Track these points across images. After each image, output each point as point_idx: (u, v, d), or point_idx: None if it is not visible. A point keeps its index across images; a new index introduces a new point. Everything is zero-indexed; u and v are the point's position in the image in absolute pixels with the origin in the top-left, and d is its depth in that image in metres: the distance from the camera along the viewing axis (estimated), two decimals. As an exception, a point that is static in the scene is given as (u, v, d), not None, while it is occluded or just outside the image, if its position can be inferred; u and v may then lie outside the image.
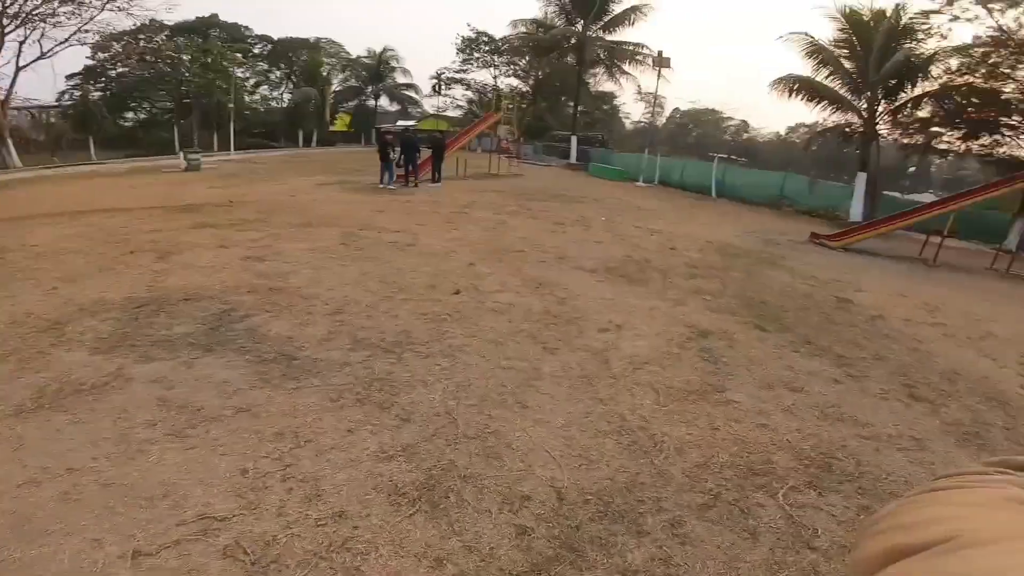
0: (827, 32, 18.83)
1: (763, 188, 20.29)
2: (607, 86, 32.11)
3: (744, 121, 71.71)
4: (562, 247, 7.87)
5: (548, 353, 4.06)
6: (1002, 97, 16.36)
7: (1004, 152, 17.71)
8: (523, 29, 30.66)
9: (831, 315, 5.90)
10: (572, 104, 29.10)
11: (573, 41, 25.86)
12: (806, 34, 18.30)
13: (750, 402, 3.60)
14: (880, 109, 17.11)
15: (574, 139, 26.19)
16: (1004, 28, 15.92)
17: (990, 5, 15.92)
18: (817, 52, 17.99)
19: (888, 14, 16.77)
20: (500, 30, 39.05)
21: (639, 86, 29.50)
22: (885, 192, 19.43)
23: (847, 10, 17.38)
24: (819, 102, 18.24)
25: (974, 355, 5.05)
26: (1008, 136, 17.29)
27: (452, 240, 7.72)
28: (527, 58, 33.78)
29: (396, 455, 2.69)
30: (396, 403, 3.18)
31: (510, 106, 20.48)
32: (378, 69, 42.83)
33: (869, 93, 17.02)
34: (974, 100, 16.44)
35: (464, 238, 7.93)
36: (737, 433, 3.20)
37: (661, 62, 20.40)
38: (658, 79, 21.10)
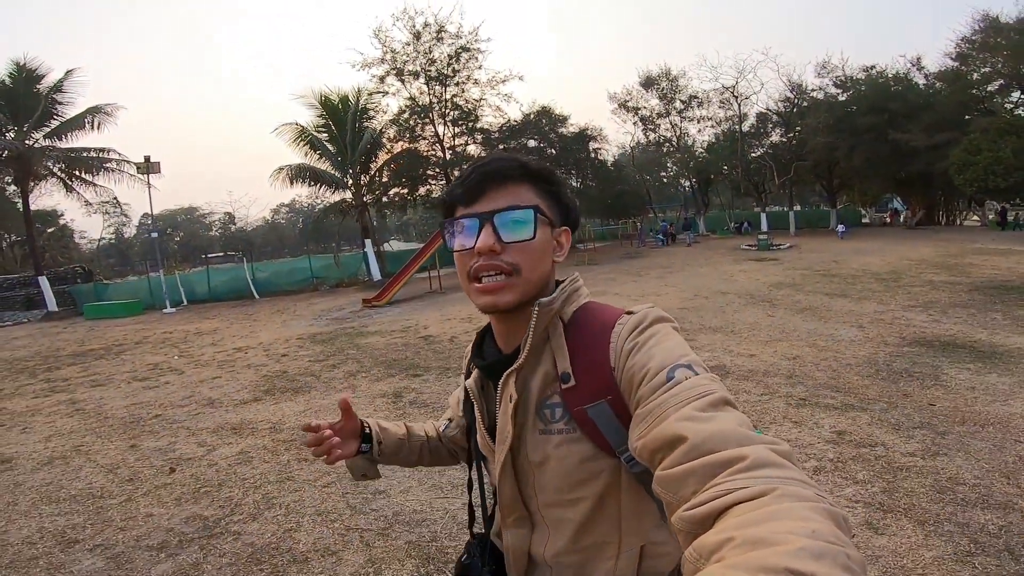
0: (313, 120, 21.16)
1: (295, 274, 21.65)
2: (49, 202, 25.84)
3: (228, 213, 71.54)
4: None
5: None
6: (422, 154, 23.04)
7: (437, 197, 24.97)
8: None
9: (423, 349, 7.62)
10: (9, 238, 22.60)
11: (6, 154, 19.64)
12: (296, 123, 20.35)
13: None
14: (363, 181, 21.00)
15: (44, 281, 20.09)
16: (414, 97, 22.56)
17: (404, 79, 22.14)
18: (304, 139, 20.24)
19: (350, 99, 20.61)
20: None
21: (87, 200, 24.55)
22: (387, 248, 24.18)
23: (323, 97, 20.31)
24: (318, 184, 20.72)
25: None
26: (433, 183, 24.44)
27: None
28: None
29: None
30: None
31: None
32: None
33: (351, 170, 20.51)
34: (406, 160, 22.28)
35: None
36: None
37: (149, 168, 18.28)
38: (149, 187, 18.80)
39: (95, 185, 21.15)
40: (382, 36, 21.76)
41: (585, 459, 0.73)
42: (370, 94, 21.68)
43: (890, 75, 26.81)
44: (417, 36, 21.83)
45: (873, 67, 27.61)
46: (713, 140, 33.01)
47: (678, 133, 33.12)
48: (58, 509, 3.44)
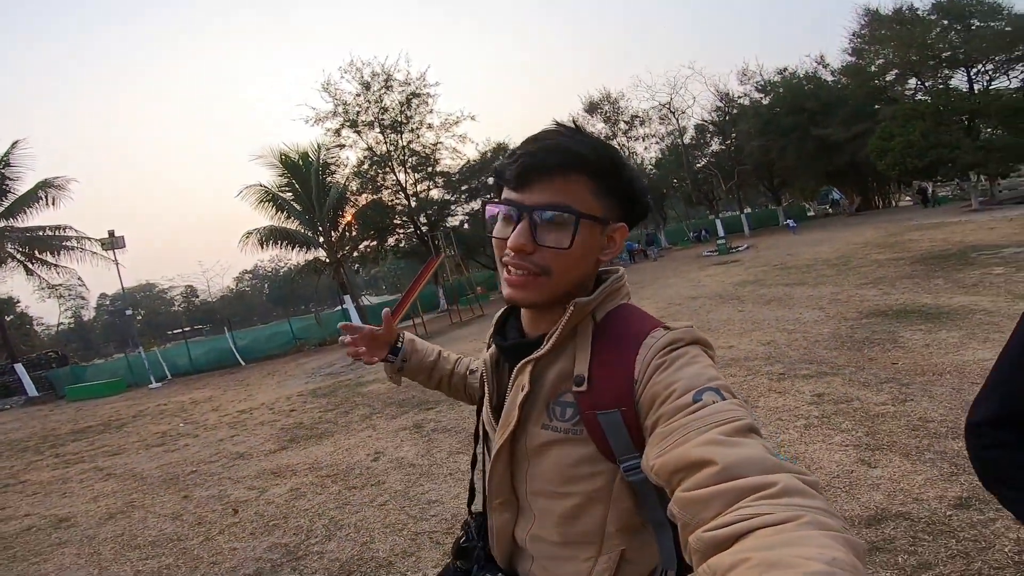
0: (275, 180, 20.98)
1: (277, 338, 21.59)
2: (2, 289, 24.64)
3: (190, 286, 70.03)
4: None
5: None
6: (387, 203, 23.46)
7: (406, 246, 25.33)
8: None
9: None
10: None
11: None
12: (259, 184, 20.16)
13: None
14: (334, 238, 21.11)
15: (20, 368, 19.45)
16: (371, 147, 23.11)
17: (359, 129, 22.55)
18: (269, 199, 20.09)
19: (310, 155, 20.67)
20: None
21: (48, 283, 23.64)
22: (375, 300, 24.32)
23: (282, 156, 20.28)
24: (290, 245, 20.62)
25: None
26: (400, 232, 24.79)
27: None
28: None
29: None
30: None
31: None
32: None
33: (321, 227, 20.51)
34: (372, 211, 22.54)
35: None
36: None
37: (114, 243, 17.91)
38: (117, 264, 18.32)
39: (56, 266, 20.25)
40: (331, 89, 22.47)
41: (583, 460, 0.73)
42: (327, 148, 22.07)
43: (801, 75, 28.92)
44: (367, 87, 22.60)
45: (785, 69, 29.82)
46: (660, 156, 34.68)
47: (627, 153, 34.75)
48: (144, 554, 3.74)
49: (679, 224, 41.31)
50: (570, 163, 0.70)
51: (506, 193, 0.74)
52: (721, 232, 27.17)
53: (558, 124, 0.76)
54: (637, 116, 33.00)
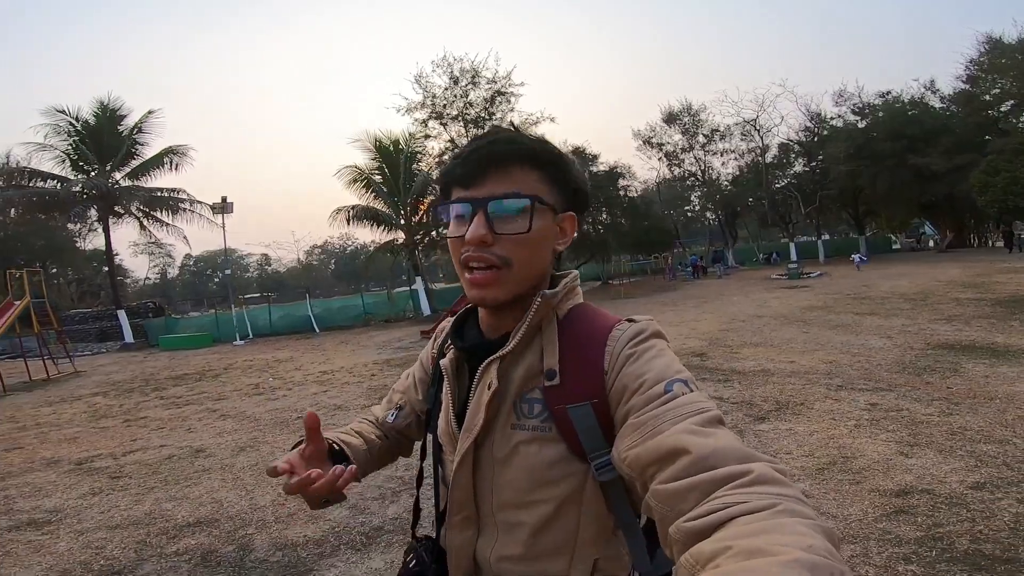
0: (368, 163, 22.35)
1: (348, 310, 23.11)
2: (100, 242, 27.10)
3: (265, 255, 74.78)
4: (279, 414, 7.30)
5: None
6: None
7: None
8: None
9: None
10: (67, 271, 24.23)
11: (92, 191, 20.97)
12: (354, 166, 21.66)
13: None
14: (413, 222, 22.17)
15: (123, 315, 21.89)
16: (453, 139, 24.18)
17: (444, 122, 23.75)
18: (361, 181, 21.55)
19: (400, 143, 22.07)
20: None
21: (154, 237, 25.37)
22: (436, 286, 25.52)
23: (376, 141, 21.79)
24: (374, 224, 22.02)
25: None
26: None
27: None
28: None
29: None
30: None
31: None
32: None
33: (404, 211, 21.79)
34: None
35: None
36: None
37: (224, 208, 19.88)
38: (224, 227, 20.40)
39: (168, 224, 22.42)
40: (423, 82, 23.62)
41: (554, 460, 0.71)
42: (416, 138, 23.33)
43: (906, 100, 27.46)
44: (455, 81, 23.59)
45: (888, 92, 28.46)
46: (737, 172, 34.01)
47: (702, 167, 34.29)
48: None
49: (749, 244, 40.29)
50: (517, 155, 0.72)
51: (456, 193, 0.74)
52: (794, 256, 26.47)
53: (496, 127, 0.79)
54: (717, 130, 32.56)
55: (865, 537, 2.53)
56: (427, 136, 24.23)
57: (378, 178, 22.01)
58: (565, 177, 0.76)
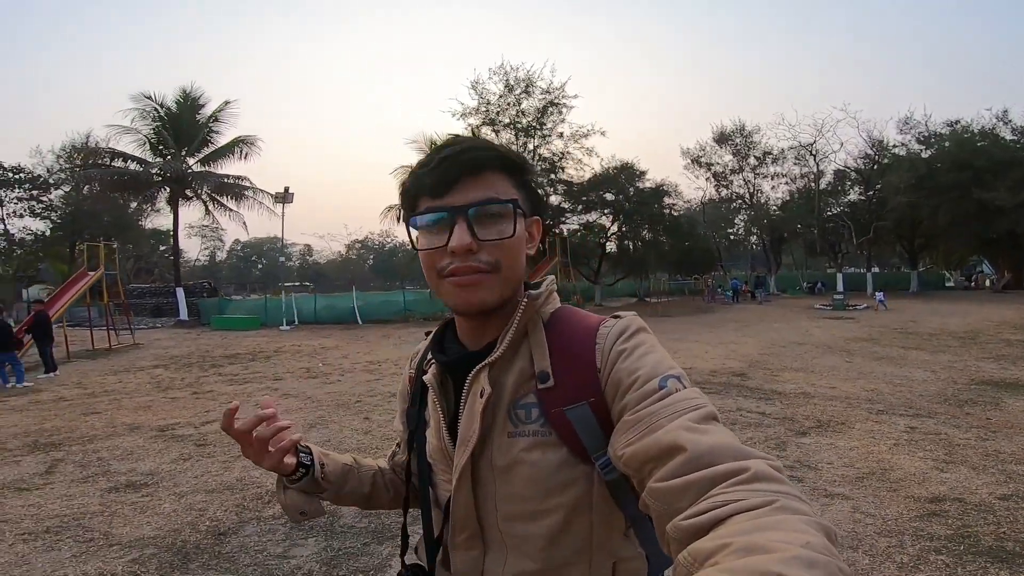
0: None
1: (389, 305, 23.83)
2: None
3: (308, 245, 77.12)
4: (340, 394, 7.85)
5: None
6: None
7: None
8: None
9: None
10: (128, 247, 25.62)
11: (167, 175, 22.54)
12: (410, 166, 22.83)
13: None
14: None
15: (181, 292, 23.18)
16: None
17: (496, 129, 24.27)
18: None
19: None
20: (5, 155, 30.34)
21: (217, 221, 26.67)
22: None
23: (431, 143, 22.56)
24: None
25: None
26: None
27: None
28: (62, 190, 28.56)
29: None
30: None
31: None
32: None
33: None
34: None
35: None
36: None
37: (285, 197, 20.84)
38: (283, 215, 21.46)
39: (230, 210, 23.80)
40: (479, 88, 24.30)
41: (559, 465, 0.68)
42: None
43: (975, 130, 26.26)
44: (510, 88, 24.16)
45: (958, 122, 27.28)
46: (787, 198, 33.42)
47: (751, 189, 33.86)
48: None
49: (793, 272, 39.47)
50: (488, 161, 0.71)
51: (426, 203, 0.71)
52: (841, 287, 25.92)
53: (456, 136, 0.78)
54: (770, 153, 32.14)
55: (900, 532, 2.82)
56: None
57: (432, 179, 22.85)
58: (528, 181, 0.76)
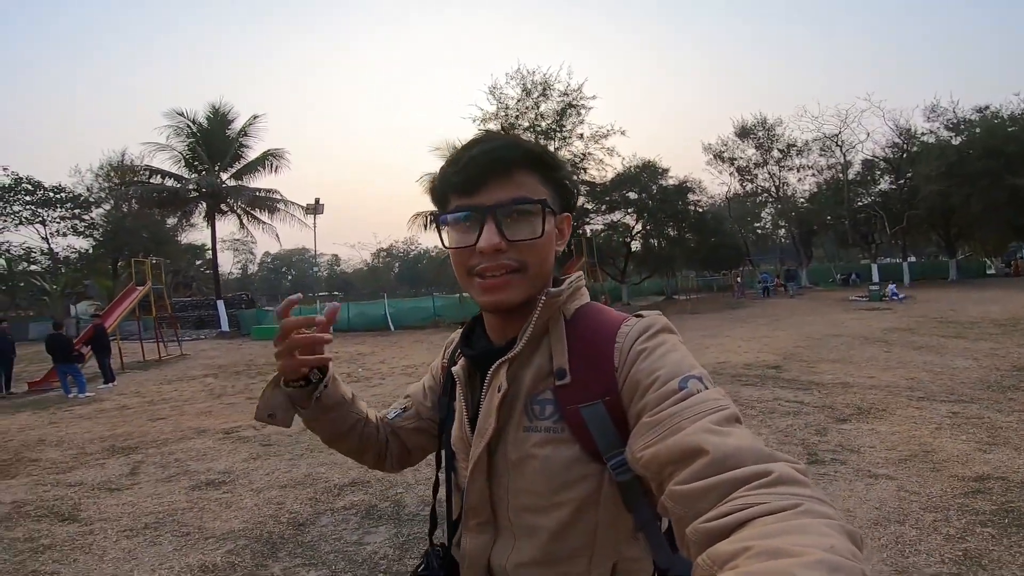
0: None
1: (418, 311, 24.26)
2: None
3: (335, 255, 78.69)
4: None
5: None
6: None
7: None
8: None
9: None
10: (167, 262, 26.46)
11: (204, 190, 23.35)
12: (434, 173, 23.17)
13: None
14: None
15: (221, 304, 23.97)
16: None
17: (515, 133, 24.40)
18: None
19: None
20: (48, 173, 31.98)
21: (251, 234, 27.49)
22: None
23: (455, 150, 23.05)
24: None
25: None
26: None
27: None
28: (102, 208, 29.91)
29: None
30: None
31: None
32: None
33: None
34: None
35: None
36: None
37: (316, 208, 21.36)
38: (315, 226, 22.01)
39: (263, 223, 24.48)
40: (497, 93, 24.46)
41: (570, 462, 0.69)
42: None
43: (1005, 115, 25.68)
44: (527, 92, 24.29)
45: (987, 107, 26.69)
46: (815, 189, 32.84)
47: (777, 183, 33.37)
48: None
49: (824, 264, 38.73)
50: (518, 158, 0.71)
51: (456, 201, 0.73)
52: (876, 277, 25.39)
53: (485, 131, 1.10)
54: (794, 145, 31.64)
55: (946, 508, 2.93)
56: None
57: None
58: (560, 179, 0.76)
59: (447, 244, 0.75)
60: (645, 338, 0.69)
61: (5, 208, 29.19)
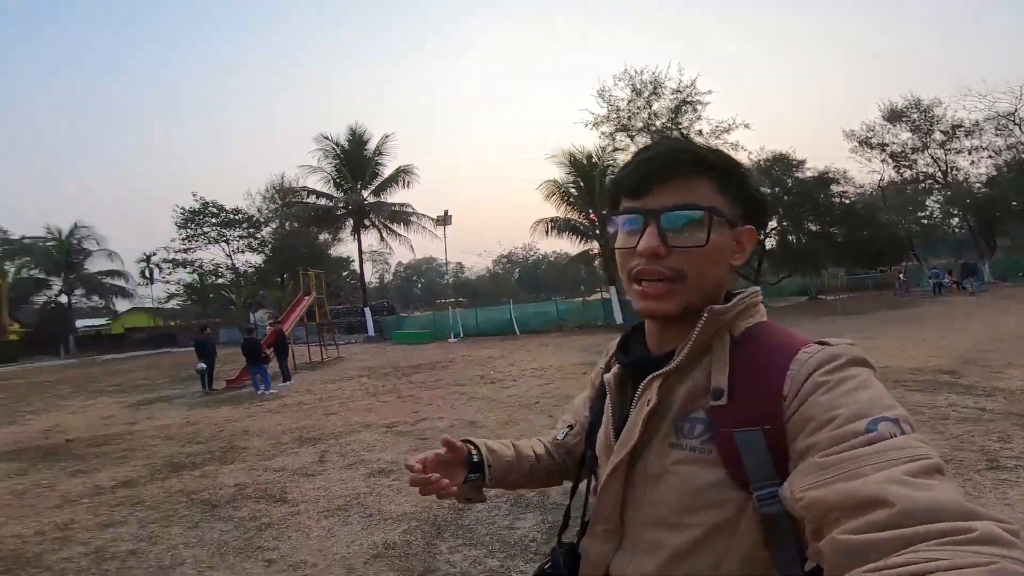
0: (563, 177, 24.41)
1: (541, 316, 24.85)
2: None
3: (459, 263, 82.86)
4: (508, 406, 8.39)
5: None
6: None
7: None
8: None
9: None
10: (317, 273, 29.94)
11: (350, 207, 26.01)
12: (554, 180, 23.75)
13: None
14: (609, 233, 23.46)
15: (368, 311, 26.59)
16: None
17: (631, 134, 24.23)
18: (558, 193, 23.50)
19: (593, 156, 23.67)
20: (226, 198, 38.28)
21: (389, 247, 30.05)
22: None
23: (571, 156, 23.59)
24: (574, 235, 23.78)
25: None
26: None
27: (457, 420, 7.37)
28: (270, 227, 34.14)
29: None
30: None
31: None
32: (67, 254, 36.64)
33: (599, 222, 22.58)
34: None
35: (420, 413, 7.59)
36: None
37: (445, 219, 23.16)
38: (445, 237, 23.78)
39: (400, 235, 27.17)
40: (606, 96, 24.24)
41: (710, 485, 0.65)
42: (606, 151, 24.27)
43: None
44: (638, 93, 23.86)
45: None
46: (993, 172, 28.12)
47: (943, 167, 29.08)
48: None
49: (1014, 257, 32.87)
50: (692, 164, 0.69)
51: (626, 203, 0.73)
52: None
53: (666, 135, 1.07)
54: (960, 126, 27.36)
55: None
56: (616, 149, 24.89)
57: (573, 191, 23.61)
58: (742, 188, 0.73)
59: (613, 244, 0.76)
60: (828, 370, 0.62)
61: (197, 230, 35.02)
